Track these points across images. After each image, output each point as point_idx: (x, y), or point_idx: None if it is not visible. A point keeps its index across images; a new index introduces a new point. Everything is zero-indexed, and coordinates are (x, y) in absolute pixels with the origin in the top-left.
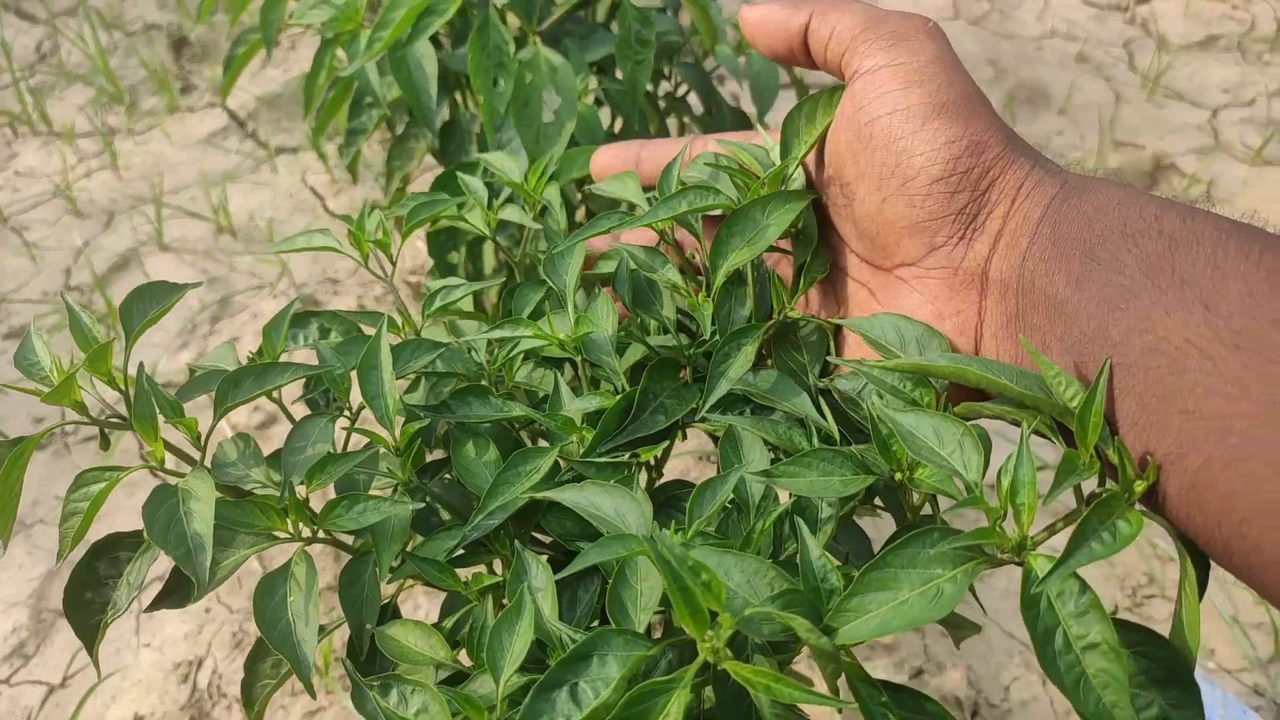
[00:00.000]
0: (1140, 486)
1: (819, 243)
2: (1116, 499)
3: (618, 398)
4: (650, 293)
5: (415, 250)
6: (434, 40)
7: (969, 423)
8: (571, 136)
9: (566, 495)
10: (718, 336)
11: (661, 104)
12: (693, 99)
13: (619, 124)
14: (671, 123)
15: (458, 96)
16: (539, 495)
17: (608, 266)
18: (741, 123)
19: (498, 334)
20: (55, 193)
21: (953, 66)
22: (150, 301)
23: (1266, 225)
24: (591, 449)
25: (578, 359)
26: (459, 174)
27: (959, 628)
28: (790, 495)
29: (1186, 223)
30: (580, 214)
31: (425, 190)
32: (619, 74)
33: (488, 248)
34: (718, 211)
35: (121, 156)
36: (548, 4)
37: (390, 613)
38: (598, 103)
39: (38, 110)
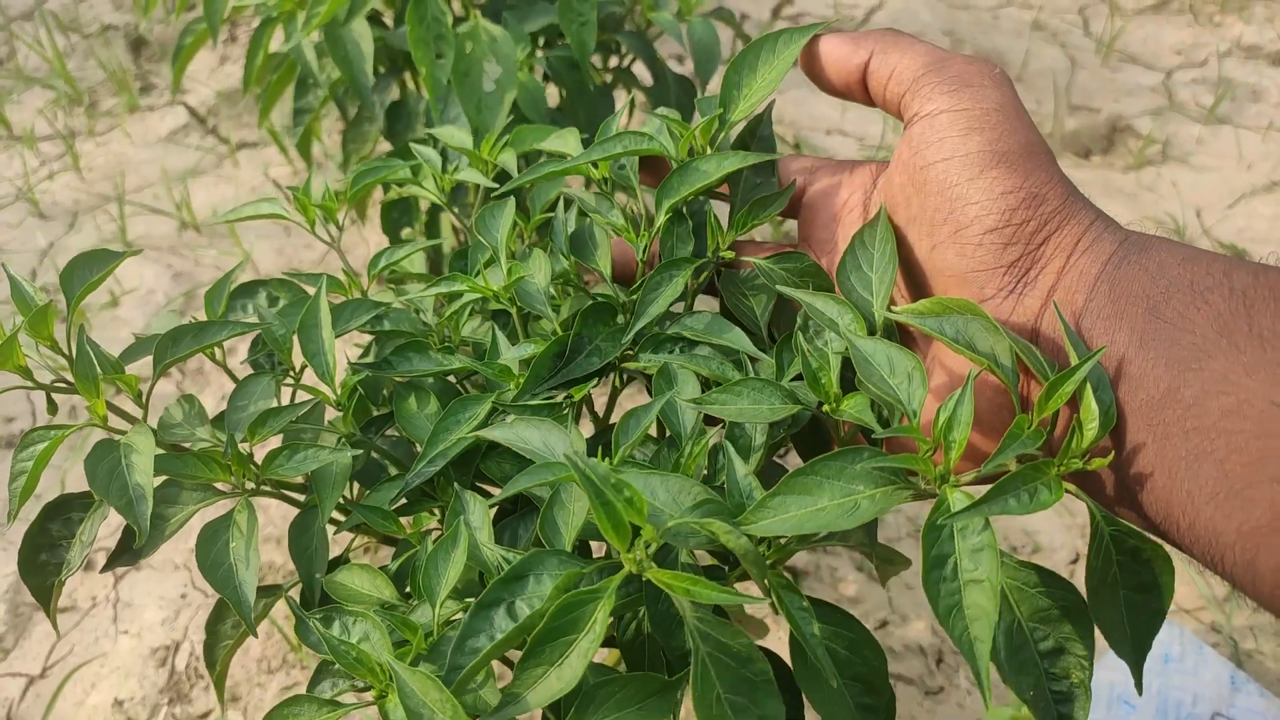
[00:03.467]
0: (1076, 465)
1: (757, 191)
2: (1047, 466)
3: (550, 342)
4: (589, 242)
5: (376, 233)
6: (377, 21)
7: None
8: (516, 109)
9: (496, 433)
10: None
11: (608, 77)
12: (639, 69)
13: (564, 98)
14: (619, 94)
15: (406, 78)
16: (468, 435)
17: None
18: (687, 91)
19: (434, 290)
20: (18, 196)
21: (1016, 115)
22: (90, 269)
23: None
24: (523, 392)
25: (513, 310)
26: (413, 145)
27: (890, 562)
28: (723, 428)
29: (1260, 278)
30: None
31: None
32: (562, 45)
33: (444, 221)
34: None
35: (83, 157)
36: None
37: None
38: (545, 78)
39: None
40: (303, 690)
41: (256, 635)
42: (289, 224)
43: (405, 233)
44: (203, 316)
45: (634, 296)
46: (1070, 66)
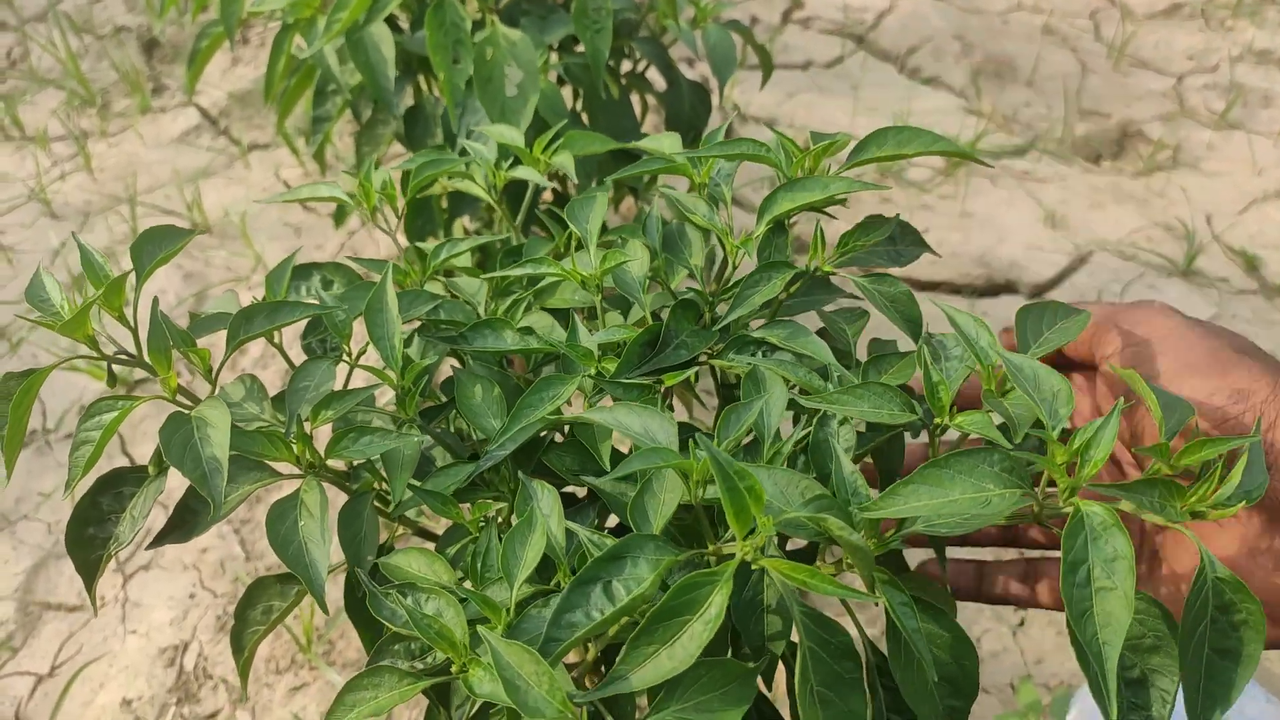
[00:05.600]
0: (1202, 506)
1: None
2: (1178, 489)
3: (641, 330)
4: (679, 240)
5: (388, 237)
6: (393, 25)
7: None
8: (536, 112)
9: (597, 415)
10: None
11: (623, 81)
12: (653, 75)
13: (581, 102)
14: (634, 99)
15: (422, 82)
16: (569, 419)
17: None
18: (701, 96)
19: (519, 270)
20: (30, 196)
21: (1192, 332)
22: (159, 244)
23: None
24: (618, 373)
25: (597, 299)
26: (464, 141)
27: None
28: (815, 422)
29: None
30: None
31: None
32: (579, 50)
33: (457, 227)
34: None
35: (95, 158)
36: None
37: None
38: (560, 81)
39: (10, 116)
40: (313, 691)
41: (327, 612)
42: (299, 226)
43: (429, 240)
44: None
45: (725, 297)
46: (1081, 71)
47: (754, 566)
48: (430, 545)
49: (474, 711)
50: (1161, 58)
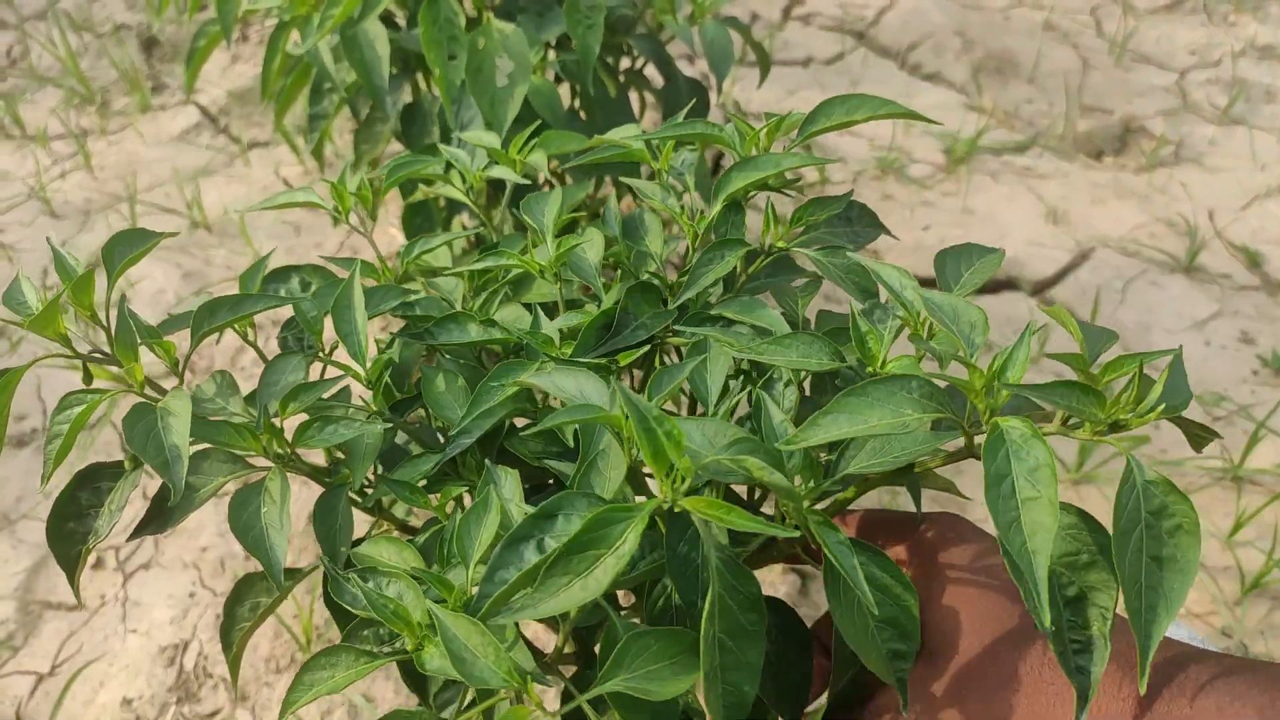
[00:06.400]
0: (1124, 414)
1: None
2: (1096, 395)
3: (597, 314)
4: (640, 228)
5: (390, 237)
6: (390, 23)
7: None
8: (533, 112)
9: (535, 379)
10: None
11: (621, 78)
12: (651, 72)
13: (578, 101)
14: (632, 97)
15: (420, 80)
16: (510, 382)
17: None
18: (698, 92)
19: (480, 264)
20: (30, 195)
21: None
22: (130, 245)
23: None
24: (573, 356)
25: (557, 288)
26: (443, 147)
27: (950, 490)
28: (750, 396)
29: None
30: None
31: None
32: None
33: (455, 224)
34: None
35: (95, 157)
36: None
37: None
38: (557, 79)
39: (10, 114)
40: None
41: (281, 589)
42: (298, 224)
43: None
44: None
45: (683, 278)
46: (1083, 67)
47: (677, 509)
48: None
49: (437, 690)
50: (1163, 53)
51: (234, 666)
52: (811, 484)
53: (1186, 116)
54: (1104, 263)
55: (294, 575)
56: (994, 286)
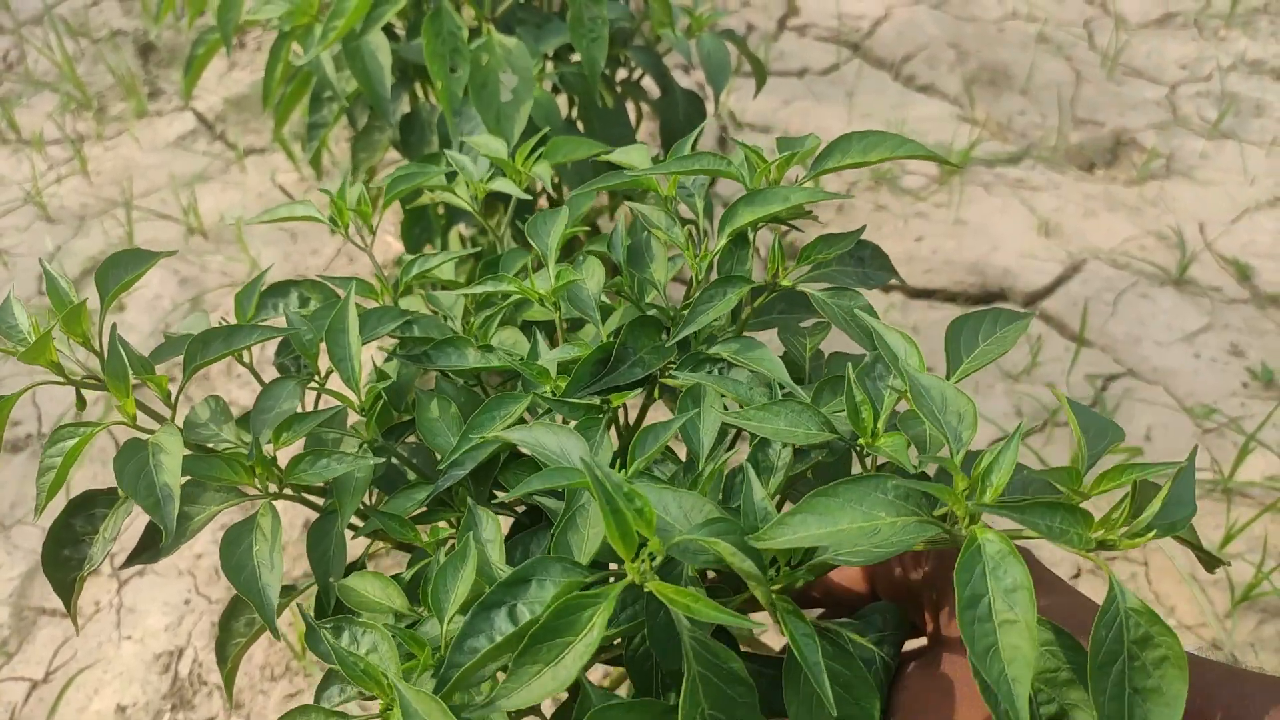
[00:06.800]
0: (1112, 537)
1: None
2: (1081, 512)
3: (595, 348)
4: (644, 254)
5: (386, 245)
6: (390, 33)
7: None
8: (533, 124)
9: (514, 434)
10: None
11: (618, 89)
12: (648, 84)
13: (576, 111)
14: (629, 107)
15: (418, 89)
16: (489, 435)
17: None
18: (695, 104)
19: (479, 289)
20: (26, 200)
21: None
22: (124, 268)
23: None
24: (566, 393)
25: (556, 316)
26: (447, 152)
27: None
28: (750, 442)
29: None
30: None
31: None
32: (574, 59)
33: (453, 236)
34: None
35: (91, 162)
36: None
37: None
38: (555, 90)
39: (6, 119)
40: (306, 698)
41: (279, 638)
42: (295, 230)
43: (426, 248)
44: (210, 322)
45: (685, 311)
46: (1075, 79)
47: (646, 589)
48: (406, 558)
49: None
50: (1155, 67)
51: (229, 681)
52: (784, 570)
53: (1177, 130)
54: (1095, 275)
55: (288, 593)
56: (986, 297)
